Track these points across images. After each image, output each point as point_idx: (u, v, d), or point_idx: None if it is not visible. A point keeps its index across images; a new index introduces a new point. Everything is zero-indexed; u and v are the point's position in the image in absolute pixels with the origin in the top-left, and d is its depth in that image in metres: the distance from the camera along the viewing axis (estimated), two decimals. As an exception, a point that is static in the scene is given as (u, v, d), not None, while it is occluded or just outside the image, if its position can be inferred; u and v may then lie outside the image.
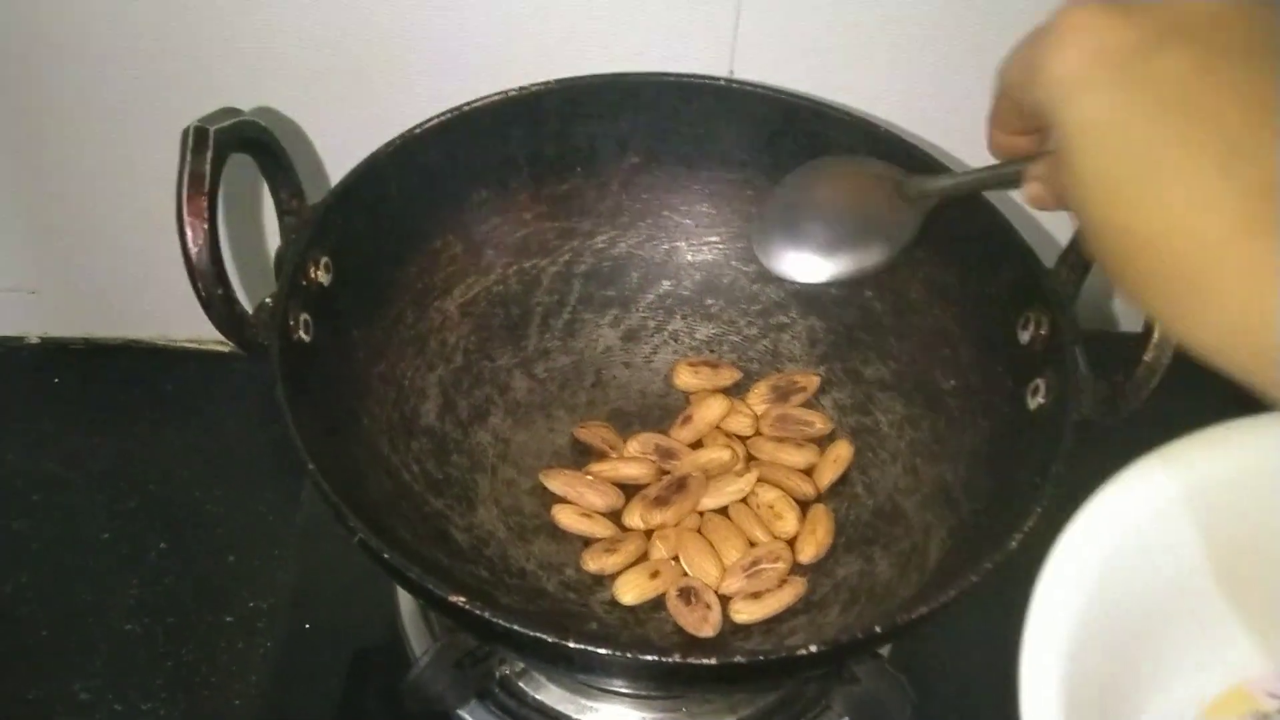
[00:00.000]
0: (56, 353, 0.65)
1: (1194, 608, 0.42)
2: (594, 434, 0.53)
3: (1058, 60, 0.29)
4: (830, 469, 0.52)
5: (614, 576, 0.49)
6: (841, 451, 0.52)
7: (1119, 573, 0.38)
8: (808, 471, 0.52)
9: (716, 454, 0.52)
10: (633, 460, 0.52)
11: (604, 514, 0.51)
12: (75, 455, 0.61)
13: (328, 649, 0.53)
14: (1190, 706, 0.43)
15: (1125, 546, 0.39)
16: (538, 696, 0.49)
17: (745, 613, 0.47)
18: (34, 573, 0.56)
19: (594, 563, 0.49)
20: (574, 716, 0.49)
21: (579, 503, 0.51)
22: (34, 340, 0.66)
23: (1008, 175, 0.39)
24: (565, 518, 0.50)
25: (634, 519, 0.50)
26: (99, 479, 0.60)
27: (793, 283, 0.49)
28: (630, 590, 0.48)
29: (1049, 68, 0.29)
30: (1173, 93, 0.27)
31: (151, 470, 0.60)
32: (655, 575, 0.48)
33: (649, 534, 0.50)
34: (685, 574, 0.49)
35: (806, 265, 0.47)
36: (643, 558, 0.49)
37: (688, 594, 0.47)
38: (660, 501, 0.50)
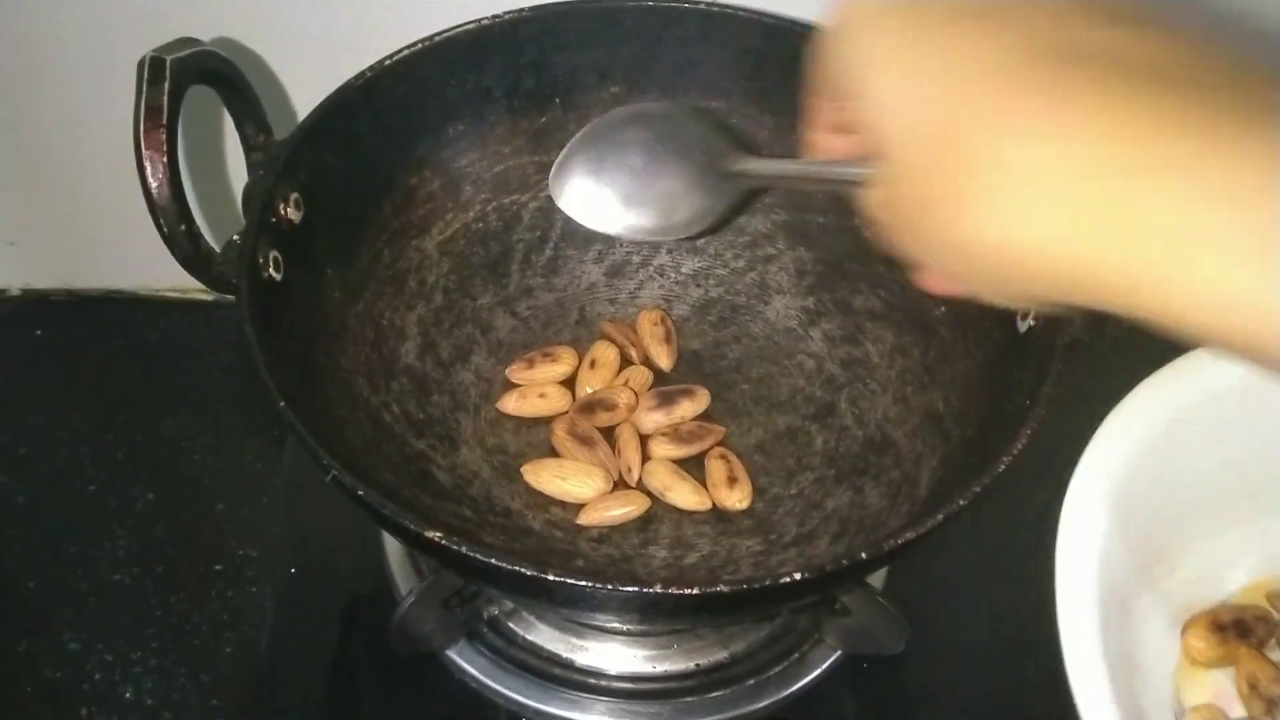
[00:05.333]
0: (38, 305, 0.65)
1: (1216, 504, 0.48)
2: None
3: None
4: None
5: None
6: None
7: (1147, 465, 0.44)
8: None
9: None
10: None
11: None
12: (59, 408, 0.60)
13: (317, 597, 0.53)
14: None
15: (1155, 442, 0.44)
16: (528, 637, 0.49)
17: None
18: (21, 526, 0.56)
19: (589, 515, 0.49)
20: (565, 655, 0.49)
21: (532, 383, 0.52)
22: (15, 292, 0.65)
23: (847, 176, 0.33)
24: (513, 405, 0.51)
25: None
26: (84, 431, 0.59)
27: (581, 226, 0.45)
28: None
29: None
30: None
31: (137, 421, 0.60)
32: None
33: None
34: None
35: (600, 212, 0.44)
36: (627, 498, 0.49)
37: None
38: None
